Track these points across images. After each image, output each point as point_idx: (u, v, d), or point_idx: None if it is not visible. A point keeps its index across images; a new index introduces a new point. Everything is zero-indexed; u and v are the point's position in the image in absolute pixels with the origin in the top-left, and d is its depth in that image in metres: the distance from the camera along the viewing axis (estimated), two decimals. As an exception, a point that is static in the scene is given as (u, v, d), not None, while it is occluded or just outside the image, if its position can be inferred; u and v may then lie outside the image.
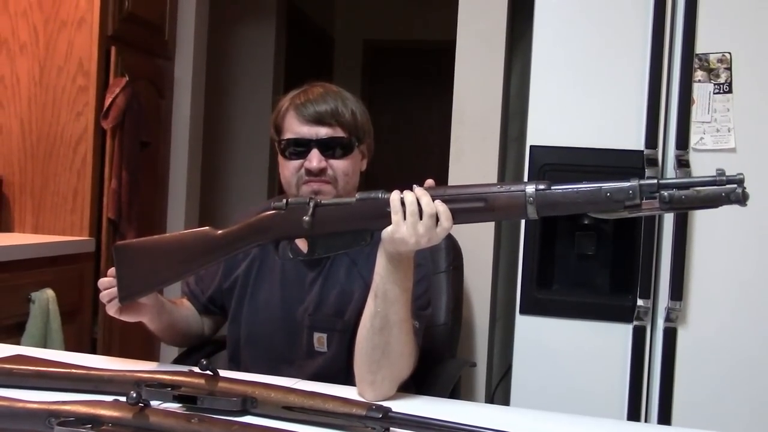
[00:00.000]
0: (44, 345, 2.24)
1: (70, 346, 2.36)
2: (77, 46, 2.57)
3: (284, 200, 1.22)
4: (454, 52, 2.53)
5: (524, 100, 2.14)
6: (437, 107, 3.89)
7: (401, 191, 1.15)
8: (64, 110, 2.58)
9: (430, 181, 1.18)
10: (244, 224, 1.26)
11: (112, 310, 1.33)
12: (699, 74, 1.95)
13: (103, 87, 2.60)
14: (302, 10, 4.63)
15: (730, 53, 1.93)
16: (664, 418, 1.97)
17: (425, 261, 1.47)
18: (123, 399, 0.98)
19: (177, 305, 1.56)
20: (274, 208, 1.23)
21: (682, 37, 1.95)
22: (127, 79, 2.62)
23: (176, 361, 1.63)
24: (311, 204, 1.19)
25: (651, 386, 1.98)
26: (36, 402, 1.02)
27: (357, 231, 1.19)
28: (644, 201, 1.04)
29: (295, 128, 1.45)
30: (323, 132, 1.44)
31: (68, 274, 2.48)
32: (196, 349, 1.68)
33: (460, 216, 1.13)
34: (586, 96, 2.02)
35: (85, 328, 2.55)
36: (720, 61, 1.93)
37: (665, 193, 1.03)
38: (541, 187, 1.09)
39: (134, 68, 2.71)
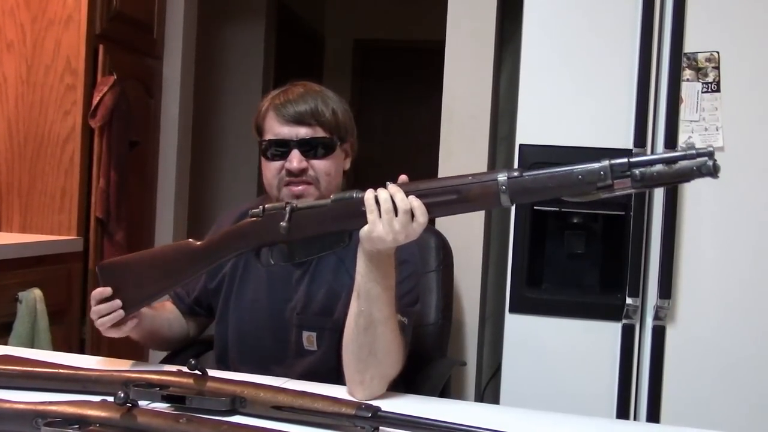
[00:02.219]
0: (32, 345, 2.23)
1: (58, 346, 2.34)
2: (65, 45, 2.55)
3: (261, 207, 1.23)
4: (443, 51, 2.53)
5: (514, 100, 2.15)
6: (427, 107, 3.89)
7: (375, 189, 1.16)
8: (52, 109, 2.57)
9: (403, 177, 1.18)
10: (223, 234, 1.28)
11: (116, 333, 1.32)
12: (687, 73, 1.95)
13: (91, 86, 2.58)
14: (292, 9, 4.62)
15: (718, 52, 1.94)
16: (653, 416, 1.97)
17: (412, 257, 1.47)
18: (111, 399, 0.98)
19: (158, 309, 1.55)
20: (251, 216, 1.23)
21: (670, 37, 1.96)
22: (116, 77, 2.61)
23: (165, 361, 1.62)
24: (288, 209, 1.19)
25: (640, 384, 1.99)
26: (23, 402, 1.01)
27: (335, 232, 1.19)
28: (616, 181, 1.03)
29: (276, 129, 1.45)
30: (303, 132, 1.43)
31: (56, 273, 2.47)
32: (184, 348, 1.67)
33: (434, 210, 1.14)
34: (575, 95, 2.02)
35: (73, 328, 2.54)
36: (708, 60, 1.94)
37: (637, 171, 1.02)
38: (514, 174, 1.09)
39: (122, 67, 2.70)
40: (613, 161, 1.03)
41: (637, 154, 1.03)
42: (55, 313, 2.38)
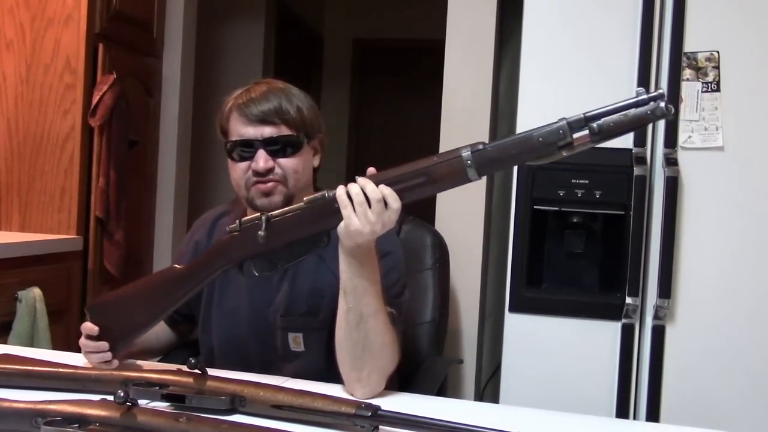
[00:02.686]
0: (31, 344, 2.23)
1: (58, 345, 2.34)
2: (64, 44, 2.55)
3: (237, 222, 1.23)
4: (443, 50, 2.53)
5: (513, 98, 2.15)
6: (426, 106, 3.89)
7: (346, 185, 1.17)
8: (51, 108, 2.56)
9: (371, 170, 1.19)
10: (204, 254, 1.29)
11: (101, 366, 1.30)
12: (687, 73, 1.95)
13: (90, 85, 2.58)
14: (291, 8, 4.62)
15: (718, 52, 1.94)
16: (653, 415, 1.97)
17: (395, 247, 1.46)
18: (110, 398, 0.98)
19: None
20: (229, 232, 1.24)
21: (670, 36, 1.96)
22: (115, 76, 2.61)
23: (164, 360, 1.62)
24: (263, 218, 1.20)
25: (639, 384, 1.99)
26: (22, 401, 1.01)
27: (313, 234, 1.20)
28: (575, 137, 1.06)
29: (240, 129, 1.42)
30: (268, 131, 1.41)
31: (56, 272, 2.47)
32: (185, 347, 1.67)
33: (406, 195, 1.15)
34: (576, 94, 2.02)
35: (72, 327, 2.54)
36: (708, 59, 1.94)
37: (594, 125, 1.05)
38: (478, 148, 1.11)
39: (122, 66, 2.70)
40: (569, 119, 1.06)
41: (591, 109, 1.06)
42: (55, 312, 2.38)
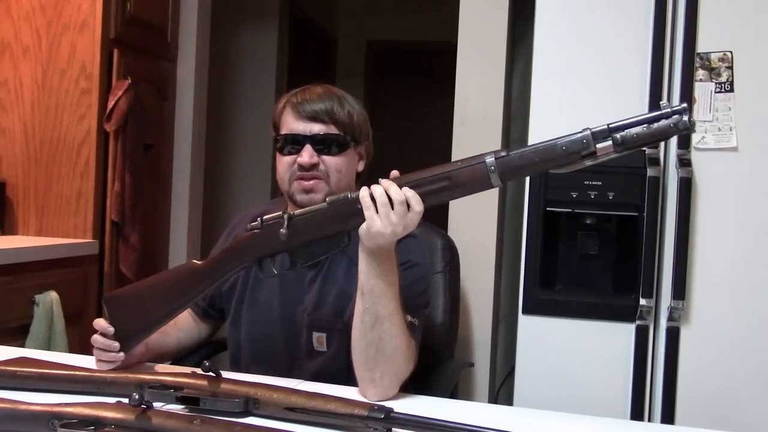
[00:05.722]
0: (48, 347, 2.25)
1: (74, 348, 2.36)
2: (80, 49, 2.58)
3: (259, 219, 1.25)
4: (456, 53, 2.53)
5: (526, 101, 2.14)
6: (439, 108, 3.88)
7: (369, 187, 1.18)
8: (67, 113, 2.59)
9: (395, 173, 1.20)
10: (223, 251, 1.30)
11: (108, 366, 1.30)
12: (700, 73, 1.94)
13: (105, 90, 2.61)
14: (305, 11, 4.63)
15: (731, 52, 1.93)
16: (668, 417, 1.96)
17: (424, 260, 1.48)
18: (126, 401, 0.98)
19: (165, 333, 1.50)
20: (250, 229, 1.25)
21: (683, 36, 1.95)
22: (130, 81, 2.63)
23: (178, 363, 1.63)
24: (285, 217, 1.21)
25: (654, 386, 1.98)
26: (39, 404, 1.02)
27: (334, 234, 1.21)
28: (599, 147, 1.07)
29: (291, 125, 1.48)
30: (317, 128, 1.46)
31: (72, 276, 2.49)
32: (197, 349, 1.68)
33: (428, 198, 1.16)
34: (588, 96, 2.02)
35: (89, 330, 2.51)
36: (721, 60, 1.93)
37: (618, 136, 1.06)
38: (501, 154, 1.12)
39: (137, 70, 2.72)
40: (593, 129, 1.07)
41: (615, 121, 1.07)
42: (71, 315, 2.40)
